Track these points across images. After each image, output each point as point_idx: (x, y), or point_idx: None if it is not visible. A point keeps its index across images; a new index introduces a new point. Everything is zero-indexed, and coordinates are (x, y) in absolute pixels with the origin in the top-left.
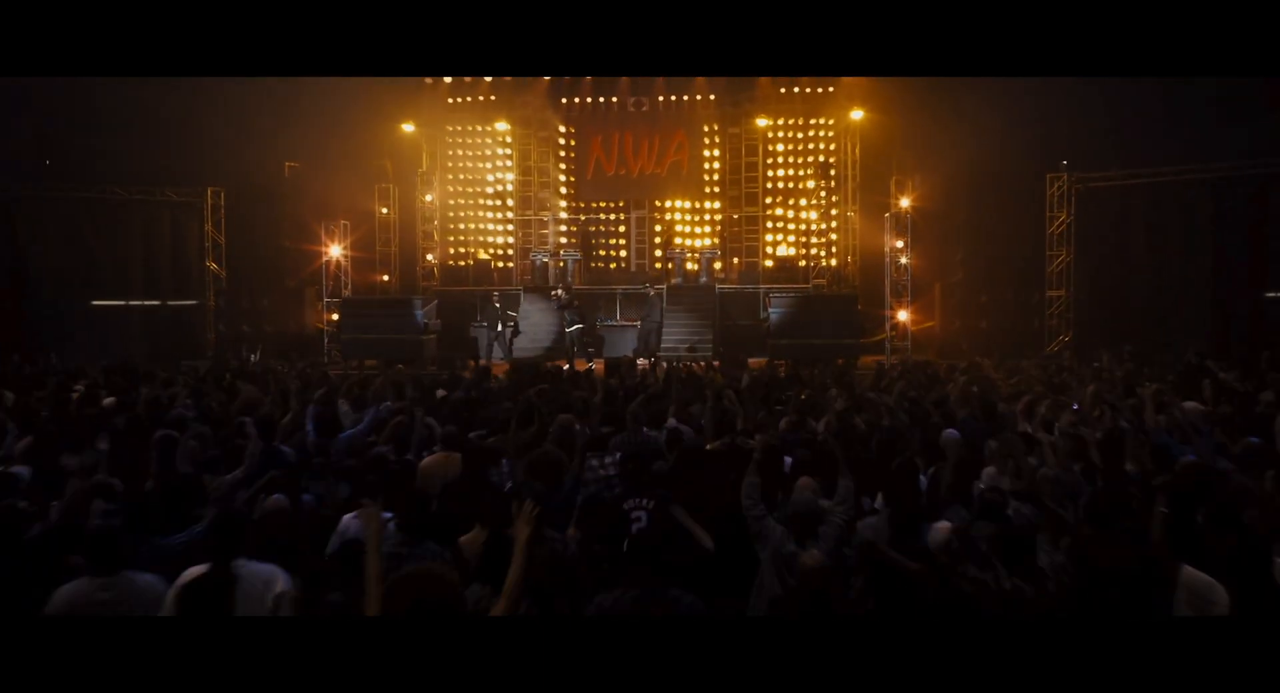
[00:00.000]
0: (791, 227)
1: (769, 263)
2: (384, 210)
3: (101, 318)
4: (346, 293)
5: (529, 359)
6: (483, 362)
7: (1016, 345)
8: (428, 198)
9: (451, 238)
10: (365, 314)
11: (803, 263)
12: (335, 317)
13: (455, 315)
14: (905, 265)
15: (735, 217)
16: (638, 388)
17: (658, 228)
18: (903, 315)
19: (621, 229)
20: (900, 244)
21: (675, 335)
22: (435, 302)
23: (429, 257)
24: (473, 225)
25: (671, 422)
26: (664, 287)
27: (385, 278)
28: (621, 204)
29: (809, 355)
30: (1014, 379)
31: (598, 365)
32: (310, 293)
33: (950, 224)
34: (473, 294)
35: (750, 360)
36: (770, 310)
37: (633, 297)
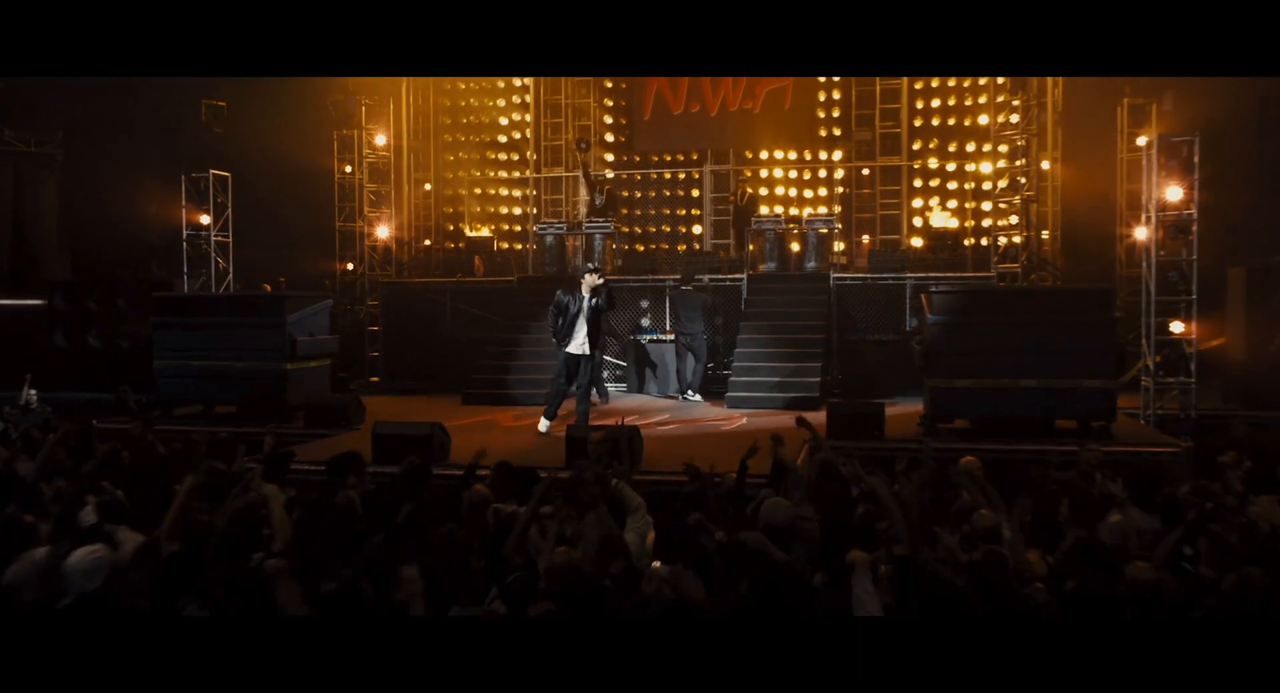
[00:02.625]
0: (953, 186)
1: (916, 241)
2: (346, 168)
3: None
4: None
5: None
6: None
7: None
8: (379, 140)
9: (449, 209)
10: (198, 326)
11: (972, 240)
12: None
13: (407, 322)
14: (1187, 237)
15: (865, 173)
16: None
17: (751, 192)
18: (1176, 327)
19: (695, 193)
20: (1178, 194)
21: (756, 363)
22: (326, 302)
23: (379, 231)
24: (475, 191)
25: None
26: (743, 277)
27: (347, 266)
28: (695, 156)
29: (1012, 409)
30: None
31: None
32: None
33: (1251, 168)
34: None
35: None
36: (929, 319)
37: (688, 297)
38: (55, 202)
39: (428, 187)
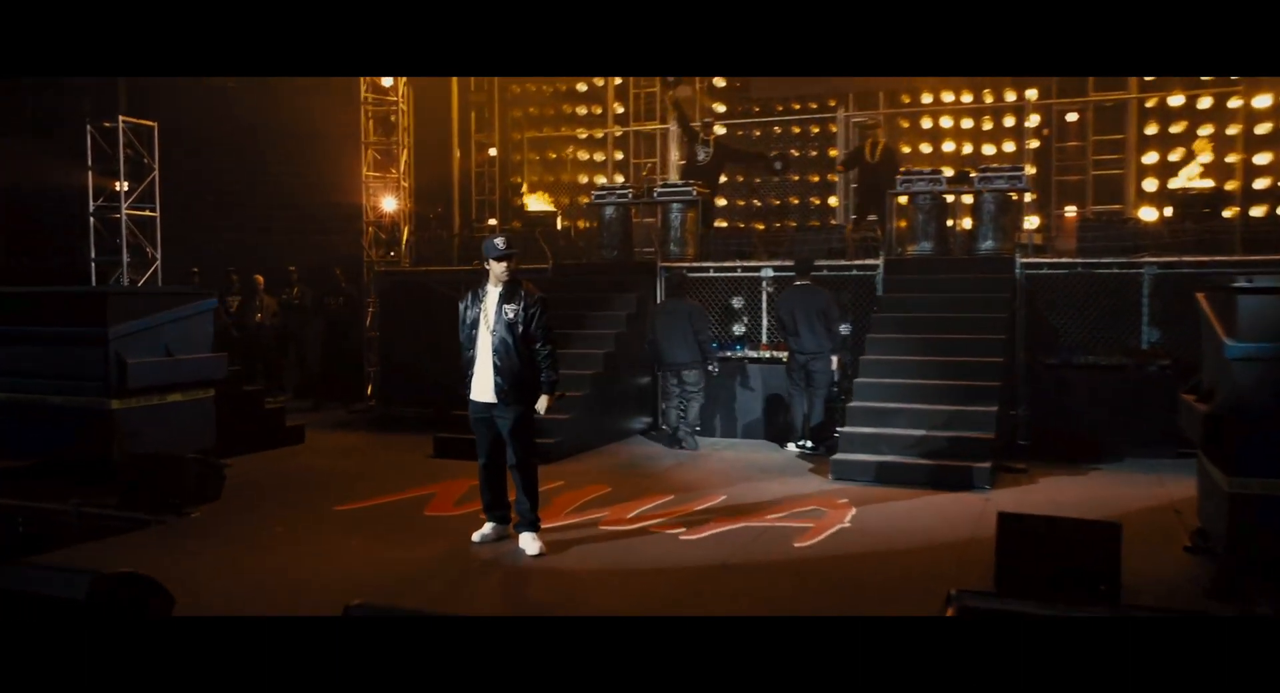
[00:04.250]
0: (1206, 130)
1: (1147, 212)
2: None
3: None
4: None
5: None
6: None
7: None
8: (384, 82)
9: (516, 179)
10: (18, 336)
11: (1237, 208)
12: None
13: (407, 326)
14: None
15: (1072, 117)
16: None
17: (886, 143)
18: None
19: (831, 153)
20: None
21: (887, 402)
22: (201, 304)
23: (385, 204)
24: (550, 154)
25: None
26: (877, 263)
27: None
28: (833, 102)
29: None
30: None
31: None
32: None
33: None
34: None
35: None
36: (1231, 347)
37: (806, 296)
38: None
39: (492, 151)
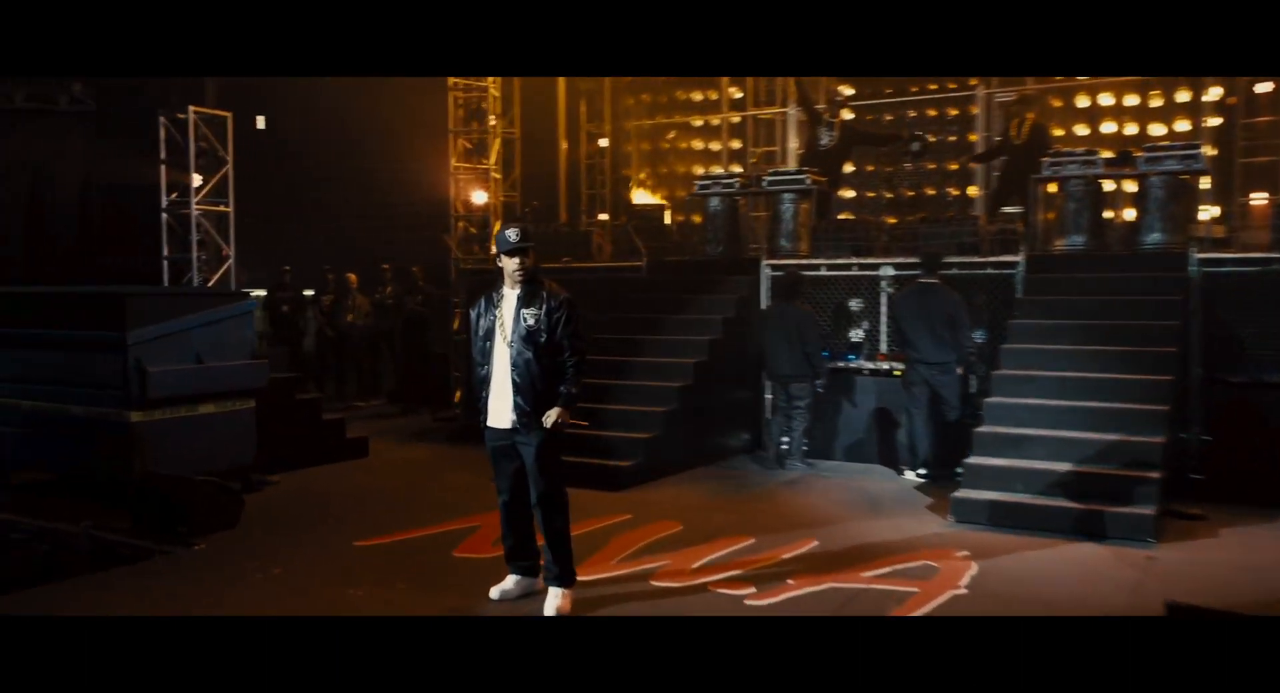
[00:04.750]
0: None
1: None
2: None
3: None
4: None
5: None
6: None
7: None
8: None
9: (627, 172)
10: (25, 342)
11: None
12: None
13: None
14: None
15: (1262, 89)
16: None
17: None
18: None
19: (971, 138)
20: None
21: (1024, 428)
22: (239, 306)
23: (476, 197)
24: (663, 143)
25: None
26: (1018, 260)
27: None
28: (974, 82)
29: None
30: None
31: None
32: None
33: None
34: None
35: None
36: None
37: (931, 299)
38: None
39: (603, 142)
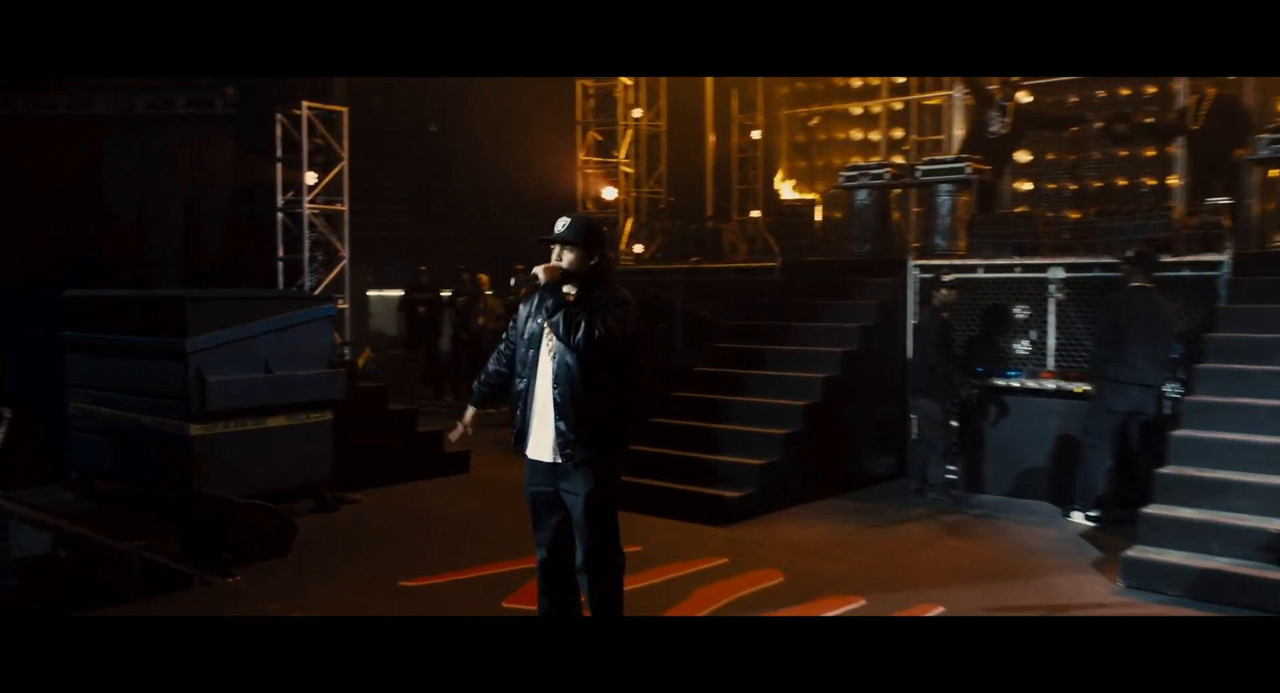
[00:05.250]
0: None
1: None
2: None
3: None
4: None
5: None
6: None
7: None
8: None
9: (782, 167)
10: (103, 348)
11: None
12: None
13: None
14: None
15: None
16: None
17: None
18: None
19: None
20: None
21: (1228, 471)
22: (316, 309)
23: (604, 192)
24: (819, 134)
25: None
26: (1222, 260)
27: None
28: None
29: None
30: None
31: None
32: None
33: None
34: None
35: None
36: None
37: (1140, 304)
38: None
39: (755, 134)
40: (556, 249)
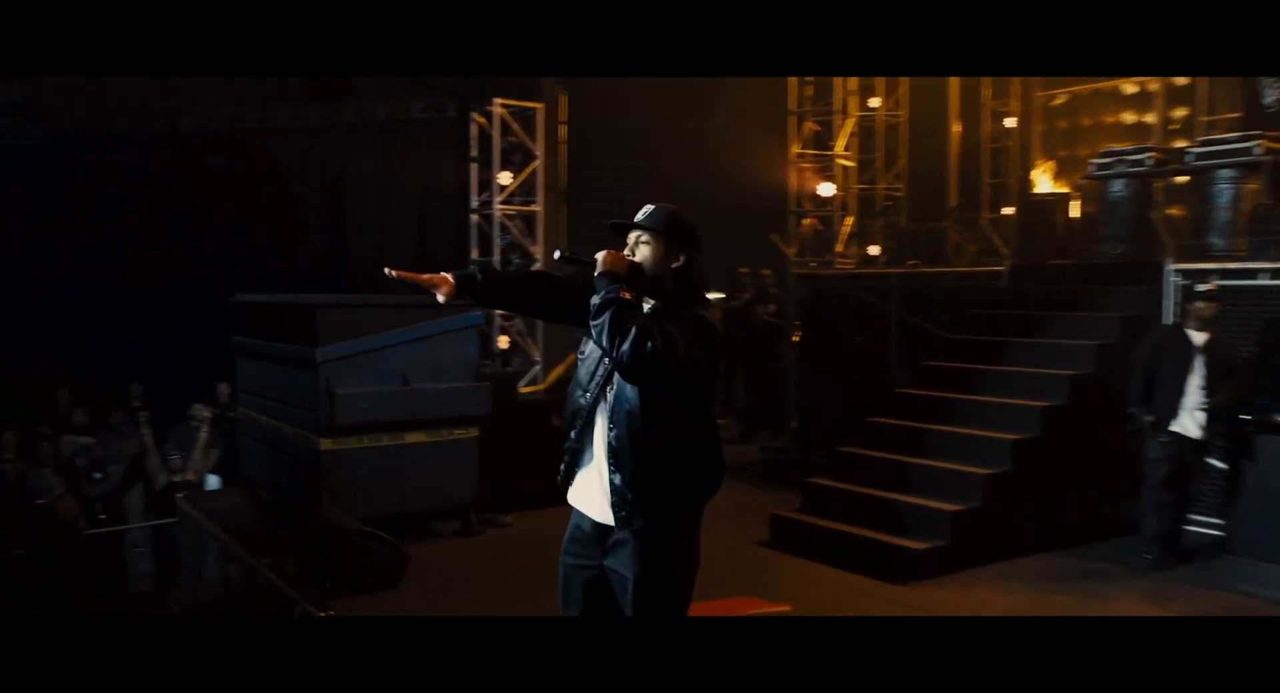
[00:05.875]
0: None
1: None
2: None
3: None
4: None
5: None
6: None
7: None
8: None
9: (1039, 161)
10: (259, 353)
11: None
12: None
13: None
14: None
15: None
16: None
17: None
18: None
19: None
20: None
21: None
22: (462, 319)
23: (820, 188)
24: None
25: None
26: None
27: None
28: None
29: None
30: None
31: None
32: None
33: None
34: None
35: None
36: None
37: None
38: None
39: (1009, 122)
40: (632, 238)
